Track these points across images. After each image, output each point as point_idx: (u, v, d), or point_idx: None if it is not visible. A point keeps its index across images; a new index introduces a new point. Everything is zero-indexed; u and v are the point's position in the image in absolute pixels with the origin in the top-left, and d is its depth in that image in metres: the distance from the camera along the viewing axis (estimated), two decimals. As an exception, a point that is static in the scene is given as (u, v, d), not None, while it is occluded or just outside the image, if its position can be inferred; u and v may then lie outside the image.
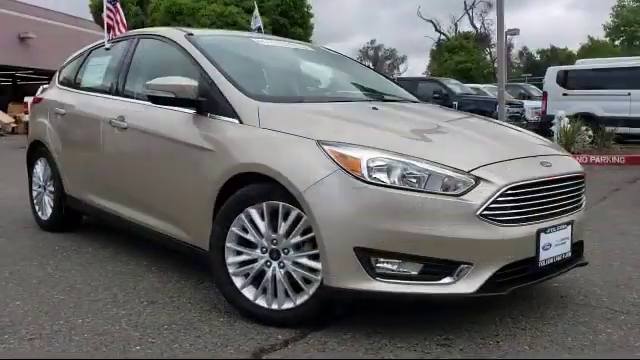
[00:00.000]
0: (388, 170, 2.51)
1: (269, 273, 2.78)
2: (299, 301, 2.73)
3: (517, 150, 2.92)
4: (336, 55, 4.38)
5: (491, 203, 2.49)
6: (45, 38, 23.48)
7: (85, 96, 4.37)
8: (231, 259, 2.88)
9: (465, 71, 43.19)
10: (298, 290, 2.74)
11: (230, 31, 5.02)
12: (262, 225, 2.78)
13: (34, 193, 5.01)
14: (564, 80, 15.53)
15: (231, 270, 2.88)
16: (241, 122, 3.01)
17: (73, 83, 4.69)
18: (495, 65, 50.56)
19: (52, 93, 4.90)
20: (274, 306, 2.78)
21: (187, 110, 3.27)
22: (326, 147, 2.60)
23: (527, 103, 18.64)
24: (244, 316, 2.86)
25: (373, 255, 2.49)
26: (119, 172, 3.81)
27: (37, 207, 4.95)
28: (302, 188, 2.56)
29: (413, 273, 2.51)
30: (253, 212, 2.79)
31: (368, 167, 2.50)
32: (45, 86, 5.71)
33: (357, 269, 2.50)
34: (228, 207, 2.87)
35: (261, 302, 2.81)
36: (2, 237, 4.61)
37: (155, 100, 3.23)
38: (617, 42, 50.39)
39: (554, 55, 46.86)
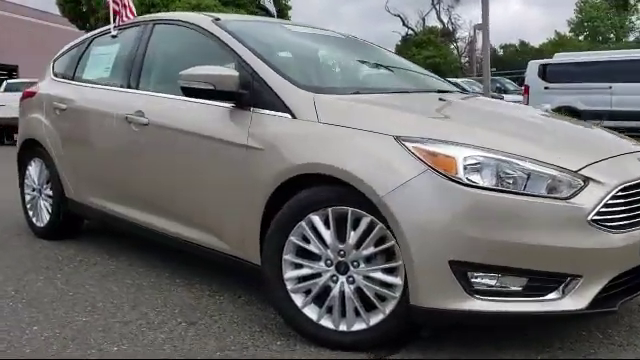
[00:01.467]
0: (485, 170, 2.18)
1: (336, 289, 2.43)
2: (373, 321, 2.38)
3: (614, 147, 2.62)
4: (368, 44, 4.03)
5: (602, 206, 2.18)
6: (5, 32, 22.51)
7: (90, 89, 3.93)
8: (290, 273, 2.52)
9: (434, 66, 43.24)
10: (370, 308, 2.39)
11: (252, 16, 4.61)
12: (327, 234, 2.42)
13: (27, 197, 4.53)
14: (545, 74, 15.49)
15: (289, 286, 2.52)
16: (294, 117, 2.64)
17: (72, 75, 4.23)
18: (463, 60, 50.89)
19: (47, 86, 4.42)
20: (342, 327, 2.43)
21: (223, 104, 2.89)
22: (409, 144, 2.26)
23: (507, 97, 18.60)
24: (306, 339, 2.51)
25: (470, 269, 2.16)
26: (137, 174, 3.39)
27: (31, 212, 4.48)
28: (382, 192, 2.21)
29: (515, 289, 2.18)
30: (316, 219, 2.44)
31: (465, 167, 2.16)
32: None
33: (452, 285, 2.16)
34: (286, 214, 2.51)
35: (326, 323, 2.46)
36: (-6, 247, 4.14)
37: (189, 93, 2.83)
38: (581, 37, 51.28)
39: (524, 50, 47.31)
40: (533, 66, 15.68)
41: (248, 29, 3.30)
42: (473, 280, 2.17)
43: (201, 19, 3.32)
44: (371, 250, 2.36)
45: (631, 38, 47.96)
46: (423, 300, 2.19)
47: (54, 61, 4.59)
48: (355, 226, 2.37)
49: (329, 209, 2.40)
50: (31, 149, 4.44)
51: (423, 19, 56.43)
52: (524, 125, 2.80)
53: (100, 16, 16.58)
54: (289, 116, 2.65)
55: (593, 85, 14.27)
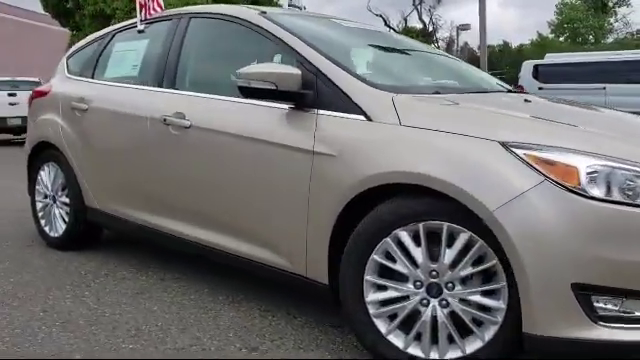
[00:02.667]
0: (608, 181, 1.93)
1: (426, 314, 2.17)
2: (470, 349, 2.13)
3: None
4: (415, 41, 3.77)
5: None
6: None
7: (116, 89, 3.60)
8: (372, 296, 2.25)
9: (417, 66, 43.13)
10: (465, 334, 2.14)
11: (294, 9, 4.32)
12: (418, 252, 2.16)
13: (38, 205, 4.19)
14: (540, 74, 15.41)
15: (372, 310, 2.25)
16: (369, 119, 2.37)
17: (92, 73, 3.90)
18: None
19: (61, 85, 4.09)
20: (434, 356, 2.17)
21: (280, 105, 2.62)
22: (519, 151, 2.01)
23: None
24: (390, 368, 2.24)
25: (594, 292, 1.92)
26: (177, 182, 3.09)
27: (43, 221, 4.14)
28: (493, 206, 1.96)
29: (640, 314, 1.94)
30: (404, 235, 2.17)
31: (588, 178, 1.92)
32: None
33: (573, 311, 1.92)
34: (368, 229, 2.24)
35: (415, 351, 2.20)
36: (6, 260, 3.80)
37: (248, 92, 2.55)
38: (561, 38, 51.70)
39: (507, 50, 47.52)
40: (527, 66, 15.59)
41: (300, 23, 3.02)
42: (596, 305, 1.93)
43: (248, 12, 3.03)
44: (469, 270, 2.10)
45: (610, 40, 48.46)
46: (540, 327, 1.94)
47: (68, 58, 4.26)
48: (450, 243, 2.11)
49: (420, 224, 2.14)
50: (44, 153, 4.11)
51: (405, 19, 56.39)
52: (628, 128, 2.56)
53: (87, 13, 16.08)
54: (363, 118, 2.39)
55: (587, 86, 14.20)
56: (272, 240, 2.66)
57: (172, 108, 3.09)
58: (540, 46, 44.49)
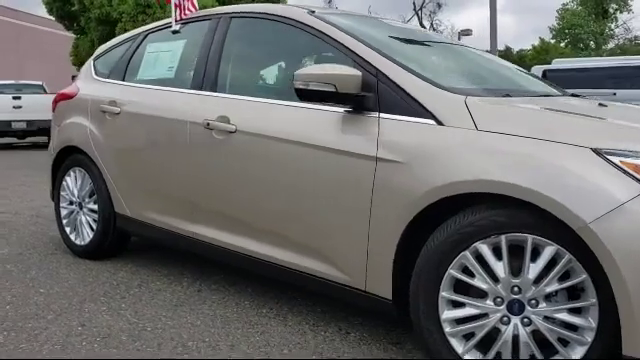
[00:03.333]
0: None
1: (507, 332, 2.02)
2: (555, 371, 1.98)
3: None
4: (461, 43, 3.63)
5: None
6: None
7: (152, 91, 3.45)
8: (448, 314, 2.10)
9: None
10: (548, 355, 1.99)
11: (341, 9, 4.17)
12: (499, 267, 2.01)
13: (63, 211, 4.03)
14: (548, 79, 15.28)
15: (447, 329, 2.10)
16: (440, 123, 2.22)
17: (123, 75, 3.75)
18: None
19: (89, 87, 3.94)
20: (515, 377, 2.02)
21: (335, 108, 2.48)
22: (614, 158, 1.86)
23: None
24: (467, 390, 2.09)
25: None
26: (220, 188, 2.94)
27: (68, 229, 3.99)
28: (589, 217, 1.81)
29: None
30: (484, 248, 2.03)
31: None
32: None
33: (682, 333, 1.77)
34: (444, 242, 2.09)
35: (493, 372, 2.04)
36: (32, 269, 3.64)
37: (306, 95, 2.40)
38: (562, 44, 51.72)
39: (509, 55, 47.45)
40: (536, 71, 15.50)
41: (350, 23, 2.88)
42: None
43: (298, 12, 2.88)
44: (555, 286, 1.95)
45: (611, 45, 48.49)
46: (641, 351, 1.79)
47: (95, 59, 4.11)
48: (535, 257, 1.97)
49: (502, 236, 2.00)
50: (70, 157, 3.96)
51: (406, 24, 56.09)
52: None
53: (92, 16, 15.89)
54: (432, 122, 2.24)
55: (597, 91, 14.08)
56: (327, 251, 2.51)
57: (215, 112, 2.94)
58: (542, 51, 44.49)
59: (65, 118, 4.01)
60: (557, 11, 53.28)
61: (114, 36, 16.34)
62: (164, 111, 3.25)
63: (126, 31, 14.90)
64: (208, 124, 2.93)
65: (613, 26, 49.10)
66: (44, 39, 33.78)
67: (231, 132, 2.85)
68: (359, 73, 2.39)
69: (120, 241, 3.82)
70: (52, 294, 3.17)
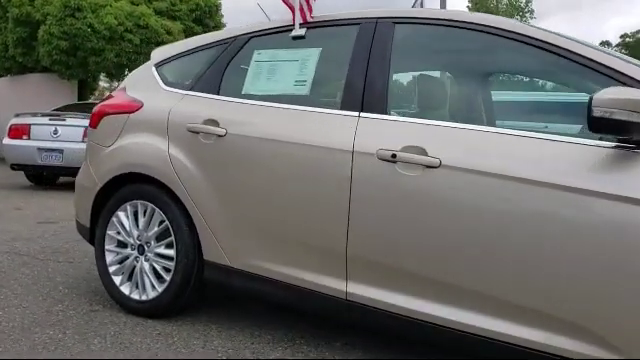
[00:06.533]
0: None
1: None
2: None
3: None
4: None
5: None
6: None
7: (276, 110, 2.73)
8: None
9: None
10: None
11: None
12: None
13: (110, 256, 3.16)
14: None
15: None
16: None
17: (217, 87, 2.98)
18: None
19: (162, 100, 3.10)
20: None
21: (601, 143, 1.97)
22: None
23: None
24: None
25: None
26: (408, 240, 2.29)
27: (119, 278, 3.12)
28: None
29: None
30: None
31: None
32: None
33: None
34: None
35: None
36: (86, 337, 2.76)
37: (607, 126, 1.86)
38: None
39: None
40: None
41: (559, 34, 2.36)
42: None
43: (509, 21, 2.34)
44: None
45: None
46: None
47: (159, 66, 3.30)
48: None
49: None
50: (127, 188, 3.11)
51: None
52: None
53: (10, 16, 14.28)
54: None
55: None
56: (589, 324, 1.95)
57: (400, 140, 2.31)
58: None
59: (121, 137, 3.15)
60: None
61: (35, 39, 14.78)
62: (304, 137, 2.56)
63: (52, 35, 13.60)
64: (394, 156, 2.29)
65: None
66: None
67: (431, 167, 2.22)
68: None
69: (197, 296, 3.02)
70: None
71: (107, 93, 21.69)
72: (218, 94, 2.97)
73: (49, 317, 3.01)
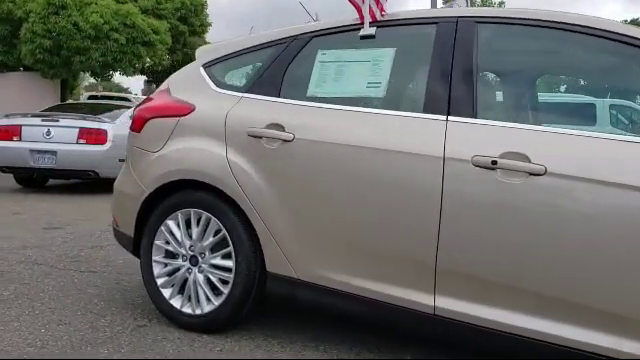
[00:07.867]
0: None
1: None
2: None
3: None
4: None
5: None
6: None
7: (348, 113, 2.59)
8: None
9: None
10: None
11: None
12: None
13: (158, 268, 2.98)
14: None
15: None
16: None
17: (279, 89, 2.82)
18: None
19: (215, 103, 2.92)
20: None
21: None
22: None
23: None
24: None
25: None
26: (506, 251, 2.17)
27: (168, 292, 2.94)
28: None
29: None
30: None
31: None
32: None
33: None
34: None
35: None
36: (134, 354, 2.58)
37: None
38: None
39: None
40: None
41: None
42: None
43: (608, 21, 2.24)
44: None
45: None
46: None
47: (207, 66, 3.12)
48: None
49: None
50: (179, 195, 2.93)
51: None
52: None
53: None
54: None
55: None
56: None
57: (500, 146, 2.19)
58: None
59: (170, 142, 2.97)
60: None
61: (17, 37, 14.32)
62: (386, 142, 2.42)
63: (34, 33, 13.20)
64: (495, 162, 2.17)
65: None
66: None
67: (535, 174, 2.11)
68: None
69: (256, 309, 2.86)
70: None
71: (85, 93, 20.98)
72: (279, 96, 2.81)
73: (96, 334, 2.82)
